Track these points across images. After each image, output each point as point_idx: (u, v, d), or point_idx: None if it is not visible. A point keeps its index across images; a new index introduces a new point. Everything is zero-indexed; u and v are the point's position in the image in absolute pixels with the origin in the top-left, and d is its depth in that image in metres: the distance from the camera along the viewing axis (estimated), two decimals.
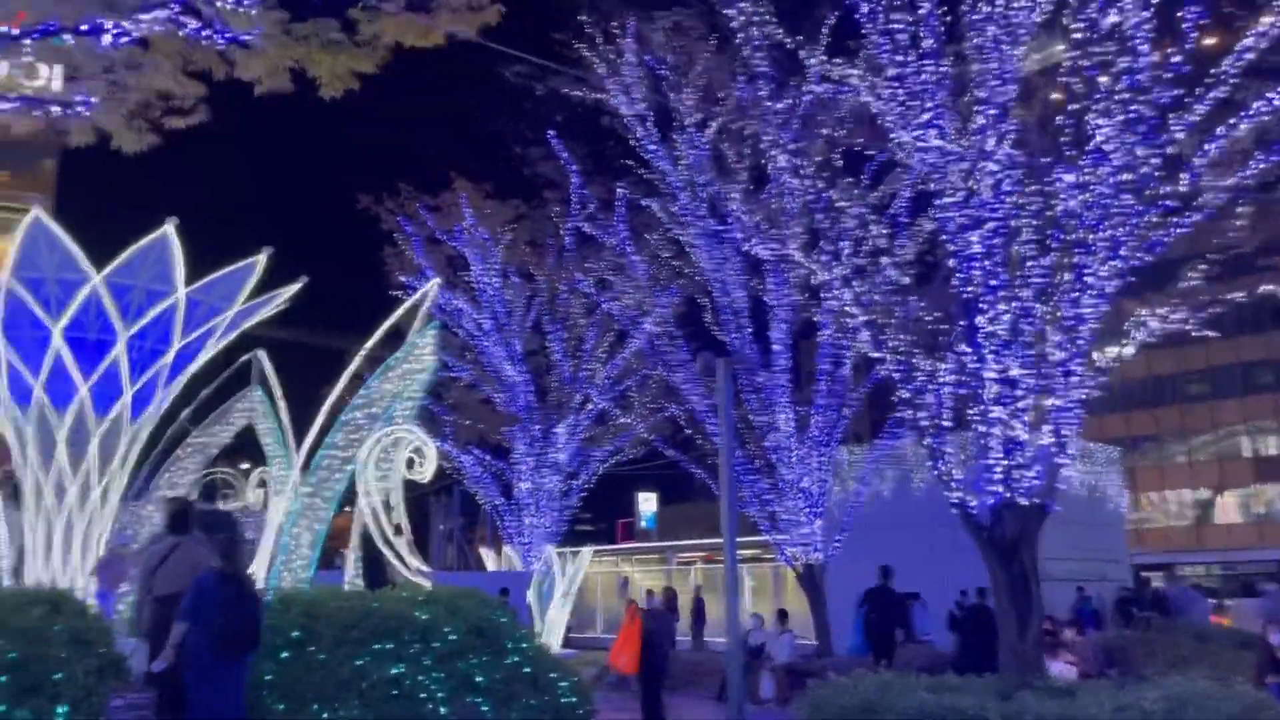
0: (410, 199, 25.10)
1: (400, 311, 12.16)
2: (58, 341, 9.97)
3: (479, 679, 9.02)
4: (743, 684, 11.08)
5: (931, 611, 16.47)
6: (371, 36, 7.72)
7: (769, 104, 12.87)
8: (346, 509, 11.84)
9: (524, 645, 9.94)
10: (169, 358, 10.79)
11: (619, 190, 21.21)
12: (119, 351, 10.26)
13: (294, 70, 7.41)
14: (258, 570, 11.04)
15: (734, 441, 11.95)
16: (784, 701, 15.04)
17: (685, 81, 17.93)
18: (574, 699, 9.75)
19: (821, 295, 16.05)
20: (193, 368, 11.37)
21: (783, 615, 17.13)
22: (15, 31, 5.86)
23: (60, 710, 7.12)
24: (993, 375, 9.84)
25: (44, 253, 9.81)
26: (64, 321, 9.99)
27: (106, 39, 6.23)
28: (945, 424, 10.14)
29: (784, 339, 18.27)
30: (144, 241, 10.16)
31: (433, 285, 12.60)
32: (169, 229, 10.17)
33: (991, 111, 10.07)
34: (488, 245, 24.87)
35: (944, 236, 10.49)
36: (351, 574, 11.63)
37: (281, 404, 13.30)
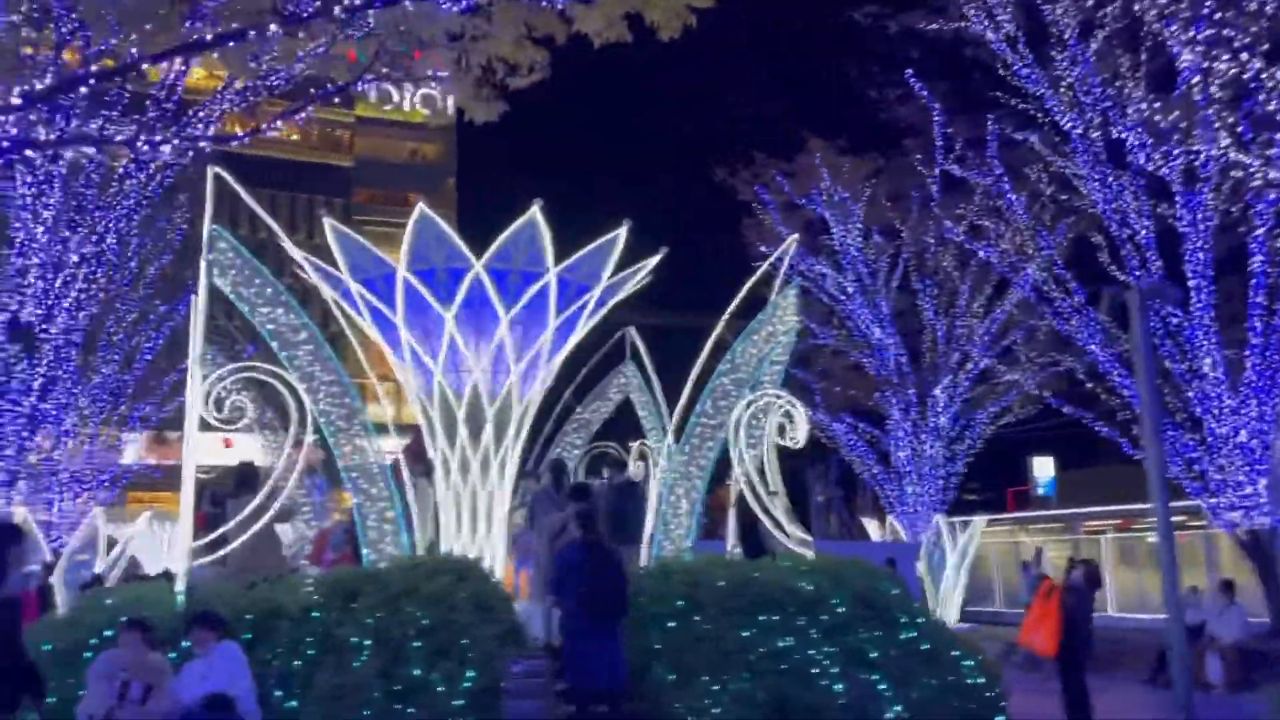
0: (765, 166, 24.80)
1: (760, 272, 11.76)
2: (451, 327, 10.62)
3: (872, 654, 8.40)
4: (1188, 668, 9.44)
5: None
6: None
7: None
8: (727, 482, 11.71)
9: (919, 619, 9.16)
10: (547, 336, 11.16)
11: (989, 126, 19.39)
12: (503, 333, 10.74)
13: (630, 17, 7.17)
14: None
15: (1155, 385, 10.21)
16: (1234, 686, 12.92)
17: None
18: (980, 679, 8.81)
19: (1254, 209, 13.42)
20: (569, 345, 11.71)
21: (1227, 587, 14.65)
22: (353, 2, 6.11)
23: (469, 674, 7.48)
24: None
25: (432, 245, 10.49)
26: (454, 308, 10.61)
27: (445, 3, 6.37)
28: None
29: (1203, 270, 15.65)
30: (515, 226, 10.54)
31: (790, 242, 12.05)
32: (535, 211, 10.46)
33: None
34: (847, 205, 23.96)
35: None
36: (732, 543, 11.47)
37: (654, 377, 13.53)
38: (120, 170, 12.85)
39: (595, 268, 11.24)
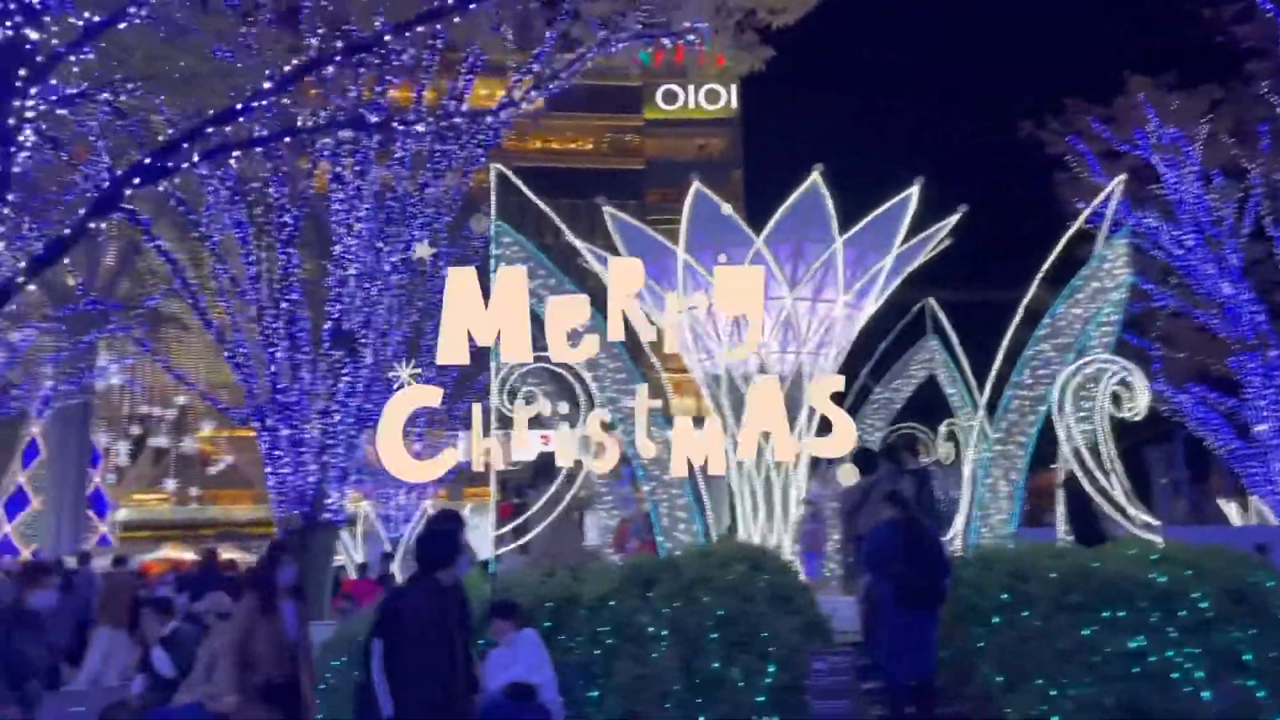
0: (1079, 114, 22.41)
1: (1077, 224, 10.42)
2: None
3: (1246, 657, 7.10)
4: None
5: None
6: None
7: None
8: (1052, 466, 10.50)
9: None
10: (837, 310, 10.52)
11: None
12: (789, 310, 10.24)
13: None
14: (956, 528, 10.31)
15: None
16: None
17: None
18: None
19: None
20: (863, 319, 10.99)
21: None
22: None
23: (770, 669, 7.03)
24: None
25: (709, 224, 10.18)
26: None
27: None
28: None
29: None
30: (796, 195, 10.03)
31: (1115, 184, 10.57)
32: (816, 177, 9.89)
33: None
34: (1179, 146, 21.12)
35: None
36: (1062, 530, 10.25)
37: (959, 350, 12.44)
38: (421, 181, 13.70)
39: (885, 234, 10.45)
